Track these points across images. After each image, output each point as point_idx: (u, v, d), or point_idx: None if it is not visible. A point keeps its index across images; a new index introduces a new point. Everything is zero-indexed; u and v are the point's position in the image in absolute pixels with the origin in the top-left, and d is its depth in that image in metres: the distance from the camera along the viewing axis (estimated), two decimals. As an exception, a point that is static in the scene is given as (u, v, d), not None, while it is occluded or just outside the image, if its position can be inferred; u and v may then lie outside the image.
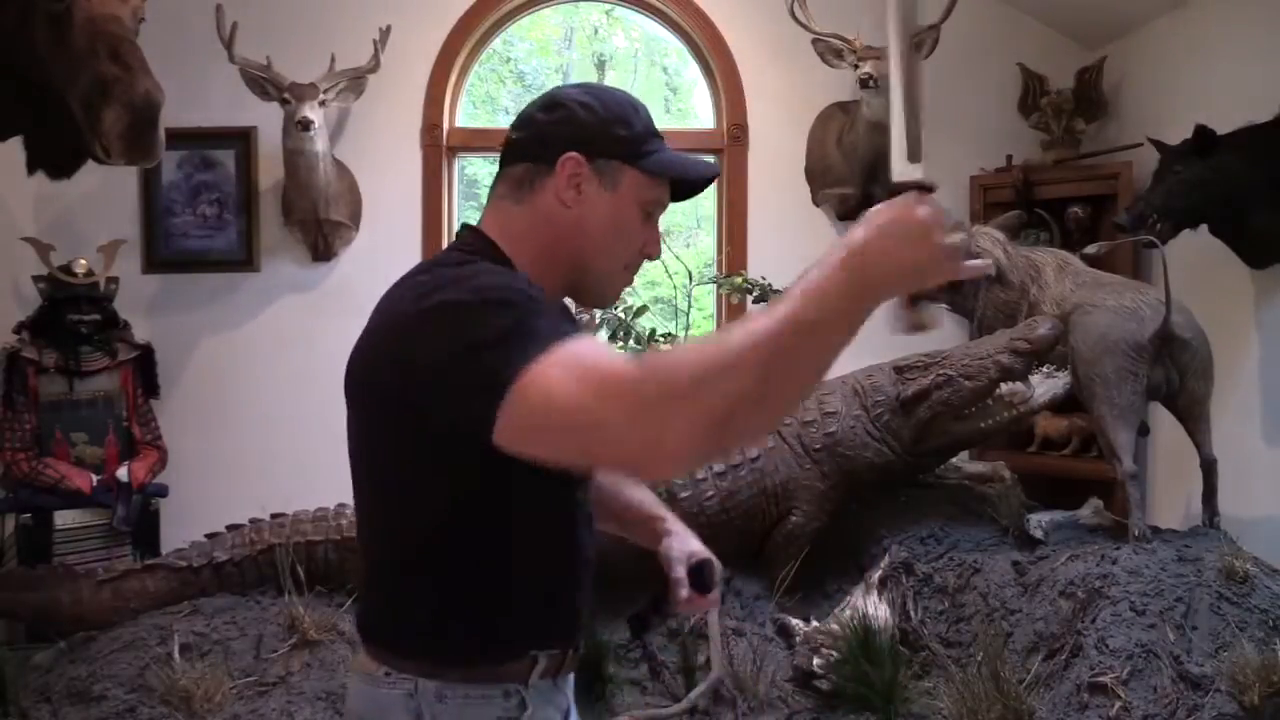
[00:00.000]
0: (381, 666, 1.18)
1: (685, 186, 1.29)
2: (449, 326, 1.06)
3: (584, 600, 1.27)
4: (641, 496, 1.48)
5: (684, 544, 1.38)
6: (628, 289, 1.35)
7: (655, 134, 1.25)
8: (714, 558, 1.37)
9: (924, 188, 1.04)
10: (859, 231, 0.97)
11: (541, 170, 1.21)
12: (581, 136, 1.20)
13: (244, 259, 4.04)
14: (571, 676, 1.31)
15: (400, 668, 1.17)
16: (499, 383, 0.99)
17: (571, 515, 1.24)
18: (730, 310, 3.97)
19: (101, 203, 3.93)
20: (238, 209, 4.03)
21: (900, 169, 1.05)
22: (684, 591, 1.33)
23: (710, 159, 1.38)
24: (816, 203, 4.11)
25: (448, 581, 1.16)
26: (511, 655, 1.19)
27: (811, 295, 0.95)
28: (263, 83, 3.68)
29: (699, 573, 1.34)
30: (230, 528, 3.08)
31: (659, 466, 1.02)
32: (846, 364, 3.12)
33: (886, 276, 0.98)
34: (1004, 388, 2.85)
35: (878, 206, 0.99)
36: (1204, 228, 2.95)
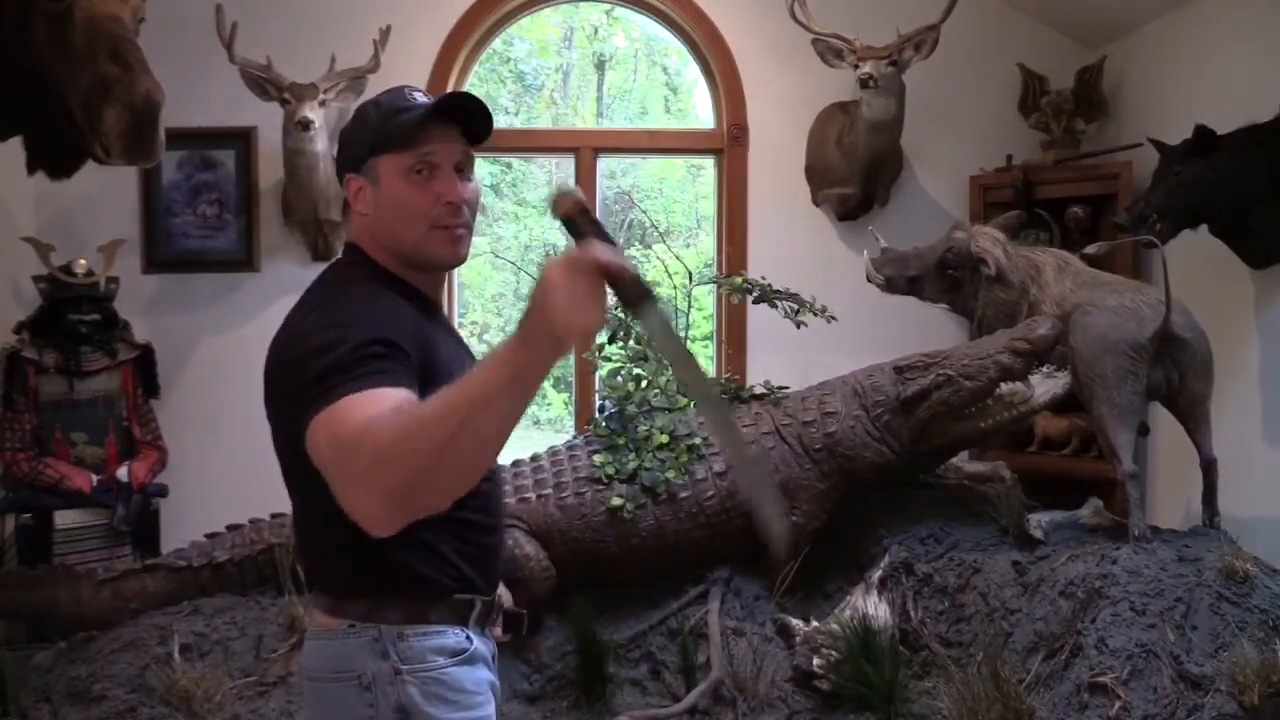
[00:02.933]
0: (344, 621, 1.37)
1: (459, 119, 1.42)
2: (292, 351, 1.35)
3: (493, 553, 1.47)
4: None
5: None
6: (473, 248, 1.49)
7: (396, 112, 1.41)
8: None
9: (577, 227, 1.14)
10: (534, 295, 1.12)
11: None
12: (345, 159, 1.48)
13: (244, 259, 4.04)
14: (492, 632, 1.50)
15: (362, 619, 1.36)
16: (306, 415, 1.23)
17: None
18: (730, 310, 3.97)
19: (101, 203, 3.93)
20: (238, 209, 4.03)
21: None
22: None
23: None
24: (816, 203, 4.11)
25: (350, 550, 1.31)
26: (439, 598, 1.38)
27: (482, 365, 1.13)
28: (263, 83, 3.68)
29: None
30: (230, 528, 3.08)
31: (366, 525, 1.16)
32: (847, 364, 3.14)
33: (541, 322, 1.10)
34: (1004, 388, 2.85)
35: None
36: (1204, 228, 2.95)
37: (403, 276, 1.44)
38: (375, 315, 1.32)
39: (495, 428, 1.12)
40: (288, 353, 1.36)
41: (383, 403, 1.18)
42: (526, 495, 2.82)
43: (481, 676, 1.41)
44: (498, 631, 1.52)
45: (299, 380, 1.27)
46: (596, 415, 3.15)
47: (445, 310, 1.54)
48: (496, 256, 6.62)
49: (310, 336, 1.31)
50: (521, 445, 3.14)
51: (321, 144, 3.74)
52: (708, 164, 4.21)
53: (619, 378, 3.11)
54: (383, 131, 1.41)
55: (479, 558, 1.43)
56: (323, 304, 1.39)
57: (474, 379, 1.12)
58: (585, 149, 4.25)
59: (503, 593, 1.57)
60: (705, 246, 5.47)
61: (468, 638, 1.40)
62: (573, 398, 4.42)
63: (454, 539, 1.39)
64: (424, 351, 1.33)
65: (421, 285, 1.46)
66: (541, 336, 1.10)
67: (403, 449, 1.10)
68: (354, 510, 1.16)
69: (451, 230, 1.42)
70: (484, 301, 7.98)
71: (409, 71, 4.02)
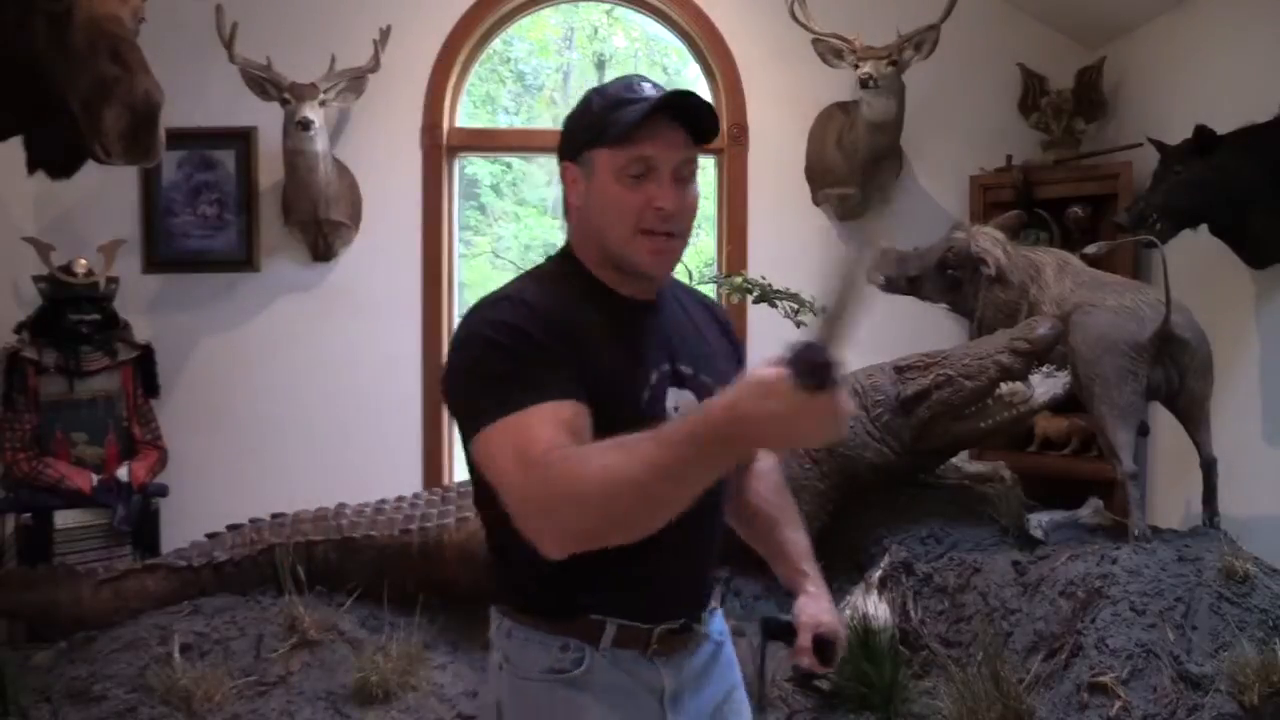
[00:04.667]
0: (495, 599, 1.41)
1: (684, 119, 1.33)
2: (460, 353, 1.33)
3: (655, 581, 1.35)
4: (797, 539, 1.56)
5: (816, 610, 1.47)
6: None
7: (619, 103, 1.32)
8: (840, 631, 1.46)
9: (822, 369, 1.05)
10: (745, 401, 1.07)
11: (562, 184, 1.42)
12: (564, 146, 1.39)
13: (244, 259, 4.04)
14: (696, 664, 1.41)
15: (496, 603, 1.40)
16: (477, 425, 1.24)
17: None
18: (730, 310, 3.96)
19: (101, 203, 3.93)
20: (238, 209, 4.03)
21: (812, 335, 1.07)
22: (805, 660, 1.44)
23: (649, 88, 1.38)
24: (816, 203, 4.11)
25: (505, 542, 1.32)
26: (565, 613, 1.33)
27: (682, 443, 1.10)
28: (263, 83, 3.69)
29: (823, 646, 1.43)
30: (230, 528, 3.08)
31: (542, 547, 1.18)
32: (847, 364, 3.13)
33: (754, 441, 1.11)
34: (1004, 388, 2.85)
35: (769, 378, 1.05)
36: (1204, 228, 2.95)
37: (601, 278, 1.37)
38: (546, 315, 1.28)
39: (689, 499, 1.13)
40: (454, 351, 1.34)
41: (561, 415, 1.20)
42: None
43: (585, 704, 1.31)
44: (806, 661, 1.43)
45: (468, 382, 1.28)
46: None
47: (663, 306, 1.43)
48: (496, 256, 6.62)
49: (474, 338, 1.30)
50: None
51: (321, 144, 3.75)
52: (708, 164, 4.21)
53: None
54: (602, 123, 1.32)
55: (618, 579, 1.32)
56: (496, 301, 1.34)
57: (680, 460, 1.09)
58: (585, 149, 4.25)
59: (828, 621, 1.46)
60: (705, 246, 5.46)
61: (579, 660, 1.32)
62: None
63: (586, 556, 1.30)
64: (585, 355, 1.28)
65: (622, 288, 1.38)
66: (749, 447, 1.15)
67: (599, 502, 1.12)
68: (527, 529, 1.17)
69: (658, 238, 1.33)
70: (484, 302, 7.95)
71: (409, 71, 4.02)
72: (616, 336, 1.34)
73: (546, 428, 1.18)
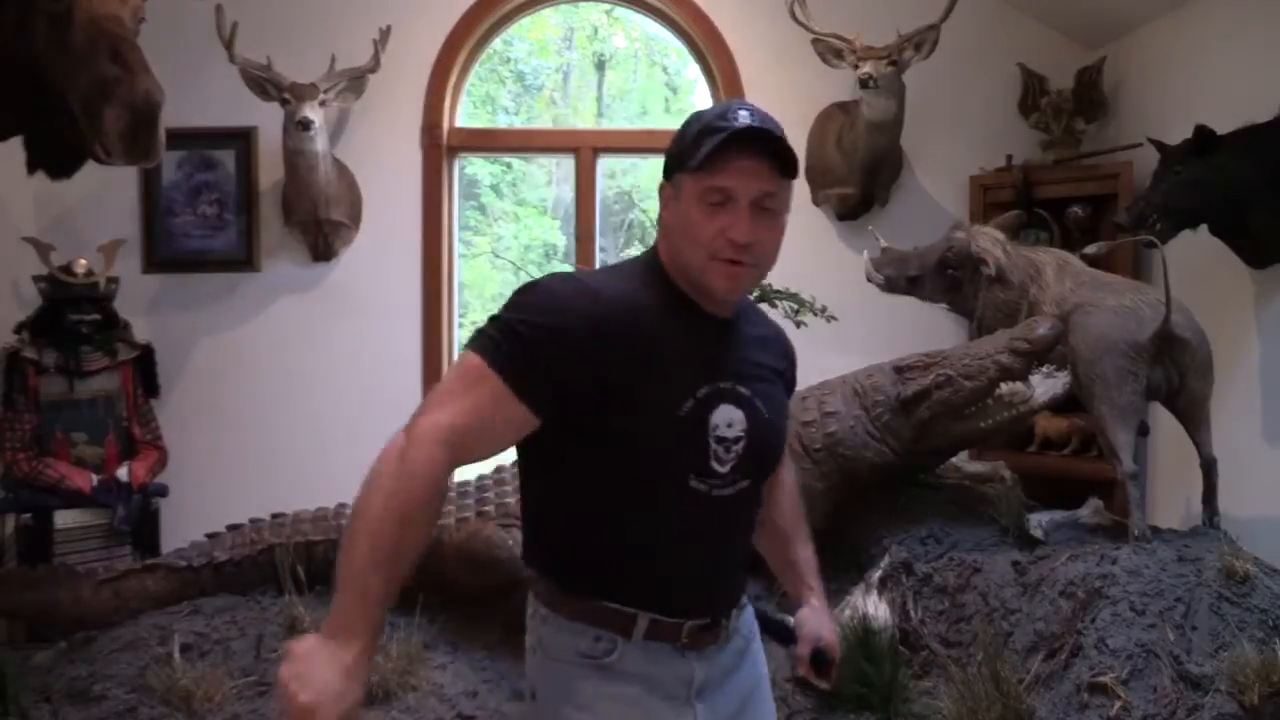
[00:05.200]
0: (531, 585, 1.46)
1: (757, 151, 1.35)
2: None
3: (688, 579, 1.41)
4: (806, 555, 1.68)
5: (817, 625, 1.59)
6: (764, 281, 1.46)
7: (711, 130, 1.34)
8: (837, 648, 1.58)
9: None
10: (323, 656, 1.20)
11: None
12: (665, 165, 1.42)
13: (244, 259, 4.04)
14: (725, 658, 1.46)
15: (532, 588, 1.45)
16: (471, 339, 1.34)
17: (647, 489, 1.36)
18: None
19: (101, 203, 3.93)
20: (238, 209, 4.03)
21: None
22: (802, 670, 1.56)
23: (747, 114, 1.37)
24: (816, 203, 4.11)
25: (538, 530, 1.45)
26: (598, 603, 1.37)
27: (345, 592, 1.22)
28: (263, 83, 3.69)
29: (819, 660, 1.55)
30: (230, 528, 3.08)
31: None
32: (847, 364, 3.13)
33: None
34: (1004, 388, 2.85)
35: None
36: (1204, 228, 2.95)
37: (684, 289, 1.41)
38: (601, 315, 1.32)
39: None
40: (519, 288, 1.40)
41: (483, 409, 1.28)
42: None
43: (618, 692, 1.36)
44: (803, 671, 1.57)
45: (500, 310, 1.35)
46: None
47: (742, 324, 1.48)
48: (496, 256, 6.63)
49: (537, 289, 1.37)
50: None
51: (321, 144, 3.75)
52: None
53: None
54: (692, 149, 1.35)
55: (652, 575, 1.39)
56: (574, 278, 1.42)
57: (355, 573, 1.22)
58: (585, 149, 4.25)
59: (827, 636, 1.59)
60: (705, 246, 5.47)
61: (610, 650, 1.37)
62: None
63: (616, 548, 1.38)
64: (627, 359, 1.32)
65: (701, 300, 1.41)
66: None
67: (363, 490, 1.24)
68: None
69: (730, 265, 1.35)
70: (484, 301, 7.98)
71: (409, 71, 4.03)
72: (676, 345, 1.37)
73: (470, 405, 1.27)
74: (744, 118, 1.34)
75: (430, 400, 1.30)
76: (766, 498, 1.60)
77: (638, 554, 1.38)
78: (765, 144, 1.35)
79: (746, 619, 1.54)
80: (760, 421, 1.42)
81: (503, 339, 1.30)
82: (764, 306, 3.32)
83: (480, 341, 1.31)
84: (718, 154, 1.32)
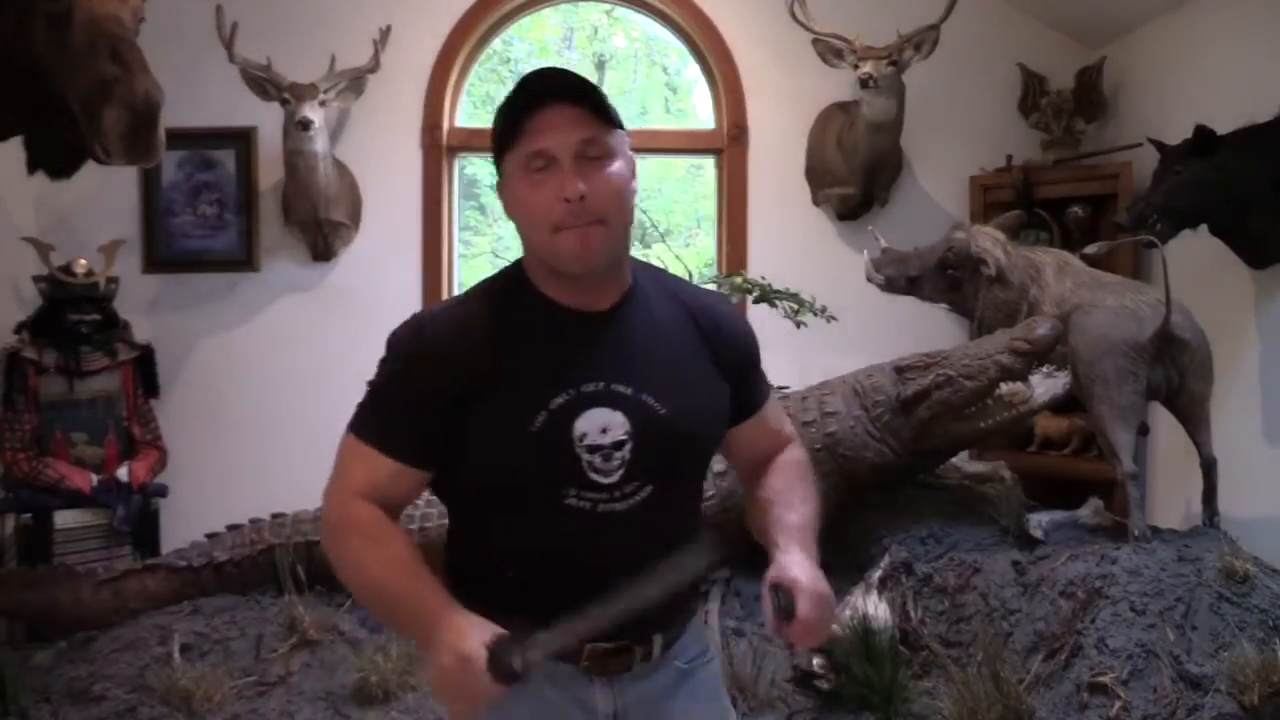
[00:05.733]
0: None
1: (579, 97, 1.28)
2: None
3: (580, 598, 1.22)
4: (786, 516, 1.43)
5: (776, 569, 1.32)
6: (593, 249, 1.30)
7: (511, 102, 1.28)
8: (799, 584, 1.28)
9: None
10: (450, 636, 1.18)
11: None
12: (495, 165, 1.35)
13: (244, 259, 4.04)
14: (649, 689, 1.36)
15: None
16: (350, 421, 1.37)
17: (517, 510, 1.31)
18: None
19: (101, 203, 3.93)
20: (238, 209, 4.03)
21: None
22: (770, 624, 1.31)
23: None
24: (816, 203, 4.11)
25: (448, 554, 1.42)
26: (495, 618, 1.24)
27: (403, 605, 1.26)
28: (263, 83, 3.68)
29: (775, 595, 1.29)
30: (230, 528, 3.08)
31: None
32: (847, 364, 3.13)
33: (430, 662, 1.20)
34: (1004, 388, 2.85)
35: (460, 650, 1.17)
36: (1204, 228, 2.95)
37: (545, 290, 1.33)
38: (437, 347, 1.30)
39: (403, 630, 1.30)
40: None
41: (378, 473, 1.30)
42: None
43: (507, 712, 1.24)
44: (770, 621, 1.29)
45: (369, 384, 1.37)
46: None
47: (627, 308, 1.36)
48: (496, 256, 6.63)
49: (387, 346, 1.35)
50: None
51: (321, 144, 3.74)
52: (708, 164, 4.21)
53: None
54: (503, 128, 1.28)
55: (541, 593, 1.28)
56: (412, 319, 1.38)
57: (393, 611, 1.29)
58: (585, 149, 4.25)
59: (787, 576, 1.30)
60: (705, 246, 5.47)
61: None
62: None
63: (504, 567, 1.33)
64: (473, 381, 1.28)
65: (564, 298, 1.32)
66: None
67: (347, 578, 1.30)
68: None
69: (575, 230, 1.25)
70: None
71: (409, 71, 4.03)
72: (520, 357, 1.29)
73: (363, 474, 1.30)
74: (535, 75, 1.29)
75: (327, 489, 1.33)
76: (753, 479, 1.50)
77: (526, 574, 1.30)
78: (569, 95, 1.26)
79: (688, 649, 1.41)
80: (652, 419, 1.29)
81: (363, 407, 1.34)
82: (763, 306, 3.33)
83: (352, 417, 1.34)
84: (524, 117, 1.25)
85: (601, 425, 1.27)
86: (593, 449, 1.27)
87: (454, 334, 1.30)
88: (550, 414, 1.26)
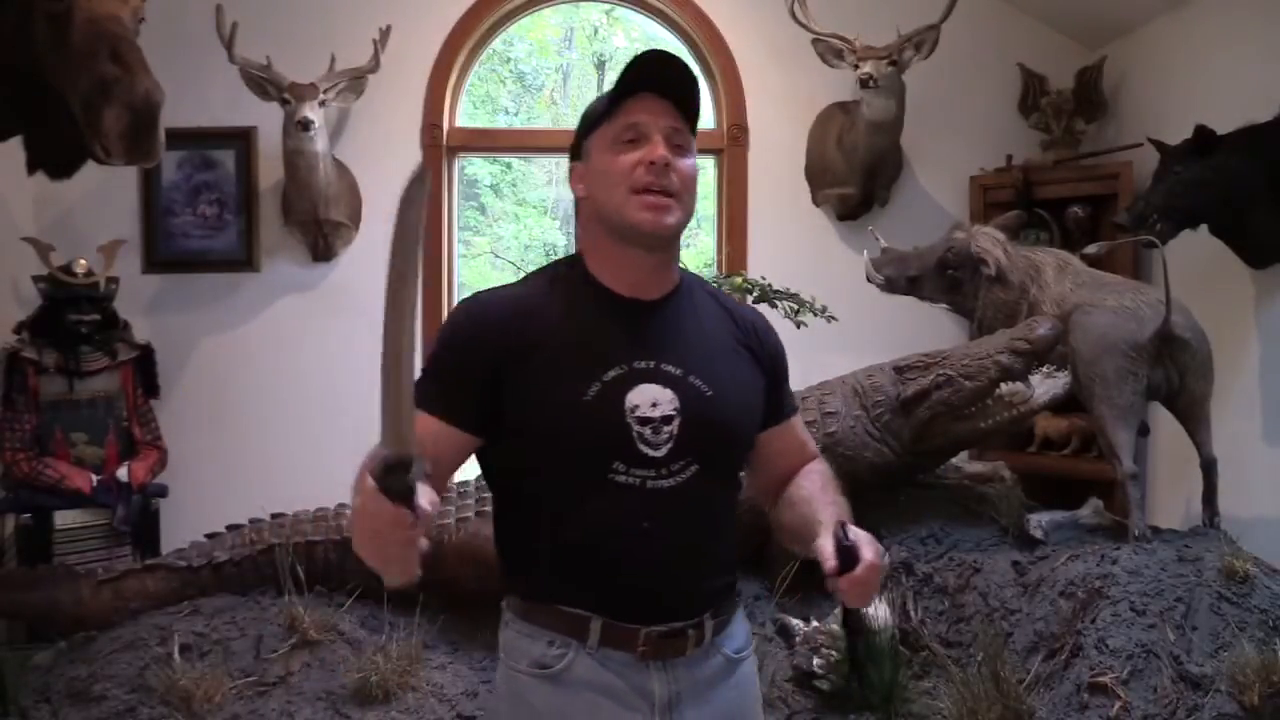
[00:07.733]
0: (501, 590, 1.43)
1: (672, 95, 1.37)
2: None
3: (642, 581, 1.33)
4: (822, 505, 1.45)
5: (825, 537, 1.33)
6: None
7: (610, 91, 1.39)
8: (861, 534, 1.30)
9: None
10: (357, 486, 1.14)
11: None
12: (572, 151, 1.45)
13: (244, 259, 4.04)
14: (701, 674, 1.37)
15: (503, 594, 1.42)
16: None
17: (566, 482, 1.33)
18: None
19: (101, 203, 3.93)
20: (238, 209, 4.03)
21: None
22: (830, 580, 1.30)
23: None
24: (816, 203, 4.11)
25: (499, 536, 1.43)
26: (553, 607, 1.33)
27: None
28: (263, 83, 3.69)
29: (840, 541, 1.29)
30: (230, 528, 3.08)
31: None
32: (847, 364, 3.14)
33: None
34: (1004, 388, 2.85)
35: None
36: (1204, 228, 2.95)
37: (600, 278, 1.40)
38: (495, 316, 1.36)
39: (381, 559, 1.19)
40: None
41: (424, 429, 1.22)
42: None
43: (562, 705, 1.31)
44: (831, 572, 1.28)
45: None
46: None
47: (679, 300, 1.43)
48: (496, 256, 6.63)
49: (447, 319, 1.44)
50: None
51: (321, 144, 3.75)
52: (708, 164, 4.21)
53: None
54: (596, 113, 1.40)
55: (604, 576, 1.33)
56: (470, 295, 1.45)
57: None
58: (585, 149, 4.25)
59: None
60: (705, 246, 5.47)
61: (563, 655, 1.33)
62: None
63: (558, 549, 1.34)
64: (528, 351, 1.33)
65: (619, 287, 1.39)
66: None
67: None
68: None
69: (652, 195, 1.33)
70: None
71: (409, 71, 4.03)
72: (576, 332, 1.35)
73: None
74: (651, 61, 1.36)
75: None
76: (780, 489, 1.53)
77: (577, 554, 1.33)
78: (670, 83, 1.36)
79: (735, 638, 1.45)
80: (699, 398, 1.35)
81: (421, 378, 1.32)
82: (763, 307, 3.33)
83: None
84: (626, 93, 1.35)
85: (652, 399, 1.33)
86: (643, 420, 1.32)
87: (510, 304, 1.39)
88: (604, 385, 1.32)
